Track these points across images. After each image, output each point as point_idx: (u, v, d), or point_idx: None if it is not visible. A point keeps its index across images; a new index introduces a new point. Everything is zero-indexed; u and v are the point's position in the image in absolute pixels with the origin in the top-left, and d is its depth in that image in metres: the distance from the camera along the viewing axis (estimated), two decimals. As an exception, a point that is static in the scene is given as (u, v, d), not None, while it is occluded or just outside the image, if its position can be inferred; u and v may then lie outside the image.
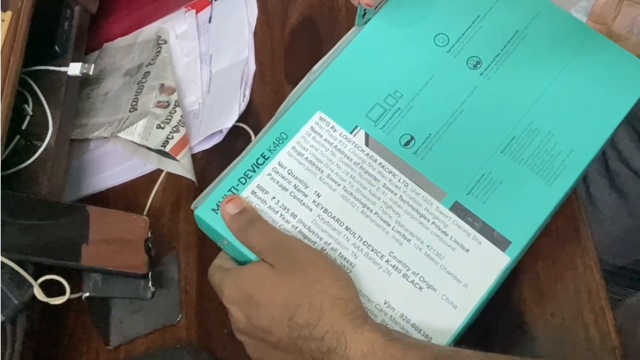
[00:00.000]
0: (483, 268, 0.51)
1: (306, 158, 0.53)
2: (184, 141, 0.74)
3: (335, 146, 0.54)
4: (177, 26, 0.86)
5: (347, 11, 0.77)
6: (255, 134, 0.72)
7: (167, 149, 0.73)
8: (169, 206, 0.74)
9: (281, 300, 0.46)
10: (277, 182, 0.53)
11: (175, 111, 0.76)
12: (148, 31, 0.87)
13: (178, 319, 0.66)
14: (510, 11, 0.58)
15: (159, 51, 0.83)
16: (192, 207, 0.53)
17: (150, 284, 0.64)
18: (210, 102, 0.78)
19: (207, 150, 0.75)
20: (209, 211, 0.52)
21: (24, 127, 0.70)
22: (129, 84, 0.82)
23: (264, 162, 0.53)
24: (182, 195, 0.73)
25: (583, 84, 0.56)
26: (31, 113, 0.71)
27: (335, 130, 0.55)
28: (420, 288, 0.50)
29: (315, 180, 0.53)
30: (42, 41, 0.74)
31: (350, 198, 0.52)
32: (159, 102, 0.77)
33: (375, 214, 0.52)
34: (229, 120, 0.74)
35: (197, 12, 0.87)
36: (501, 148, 0.54)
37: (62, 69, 0.73)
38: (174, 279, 0.69)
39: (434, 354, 0.45)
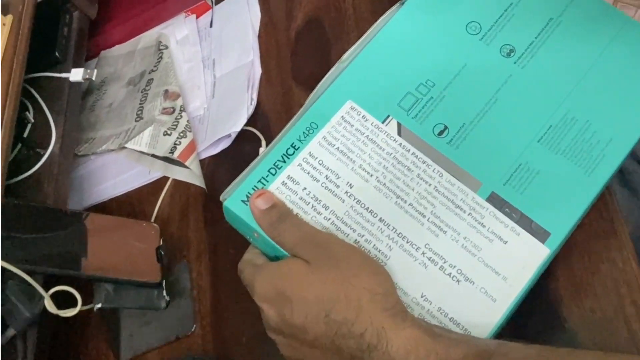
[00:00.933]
0: (522, 260, 0.49)
1: (337, 148, 0.52)
2: (192, 146, 0.72)
3: (367, 136, 0.52)
4: (178, 31, 0.85)
5: (355, 11, 0.75)
6: (265, 138, 0.71)
7: (175, 155, 0.71)
8: (177, 214, 0.71)
9: (316, 296, 0.44)
10: (308, 173, 0.51)
11: (182, 116, 0.74)
12: (148, 37, 0.85)
13: (193, 330, 0.63)
14: None
15: (161, 57, 0.81)
16: (220, 198, 0.51)
17: (164, 293, 0.61)
18: (215, 106, 0.76)
19: (215, 155, 0.73)
20: (239, 203, 0.50)
21: (25, 135, 0.68)
22: (132, 92, 0.80)
23: (294, 152, 0.51)
24: (190, 202, 0.71)
25: (620, 72, 0.55)
26: (32, 121, 0.69)
27: (366, 120, 0.53)
28: (458, 281, 0.48)
29: (347, 171, 0.51)
30: (42, 47, 0.72)
31: (384, 189, 0.51)
32: (164, 108, 0.75)
33: (409, 205, 0.50)
34: (237, 124, 0.72)
35: (197, 17, 0.85)
36: (538, 137, 0.53)
37: (64, 75, 0.71)
38: (186, 288, 0.66)
39: (478, 348, 0.43)
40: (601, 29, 0.56)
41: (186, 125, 0.73)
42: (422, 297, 0.48)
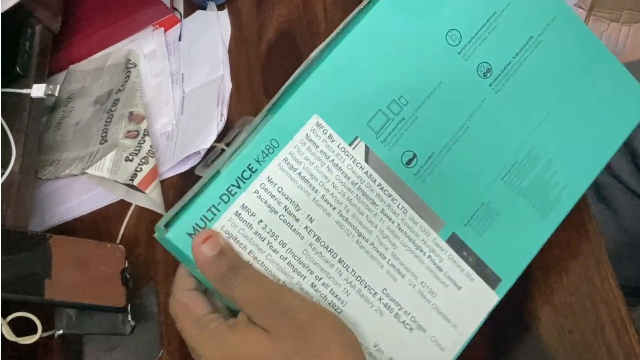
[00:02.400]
0: (473, 307, 0.48)
1: (299, 173, 0.45)
2: (153, 173, 0.69)
3: (333, 160, 0.46)
4: (145, 45, 0.82)
5: (327, 24, 0.74)
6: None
7: (136, 182, 0.68)
8: (143, 234, 0.69)
9: None
10: (266, 202, 0.44)
11: (145, 141, 0.71)
12: (117, 54, 0.83)
13: (160, 355, 0.61)
14: (528, 10, 0.51)
15: (128, 76, 0.79)
16: (156, 226, 0.44)
17: (129, 318, 0.59)
18: (184, 123, 0.74)
19: (183, 173, 0.71)
20: (184, 236, 0.43)
21: (-17, 153, 0.65)
22: (99, 113, 0.78)
23: (250, 175, 0.44)
24: (158, 222, 0.69)
25: (586, 108, 0.52)
26: (-9, 138, 0.66)
27: (333, 141, 0.46)
28: (411, 329, 0.46)
29: (308, 202, 0.45)
30: (2, 62, 0.70)
31: (346, 225, 0.46)
32: (128, 131, 0.73)
33: (371, 244, 0.46)
34: (207, 140, 0.70)
35: (165, 31, 0.83)
36: (502, 174, 0.50)
37: (25, 91, 0.69)
38: (152, 312, 0.64)
39: None
40: (577, 57, 0.52)
41: (149, 150, 0.70)
42: (375, 347, 0.46)
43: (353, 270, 0.46)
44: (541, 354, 0.49)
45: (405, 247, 0.47)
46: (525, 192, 0.50)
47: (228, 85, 0.75)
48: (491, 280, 0.49)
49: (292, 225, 0.45)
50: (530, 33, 0.51)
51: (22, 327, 0.54)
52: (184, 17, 0.83)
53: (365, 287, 0.46)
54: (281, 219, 0.45)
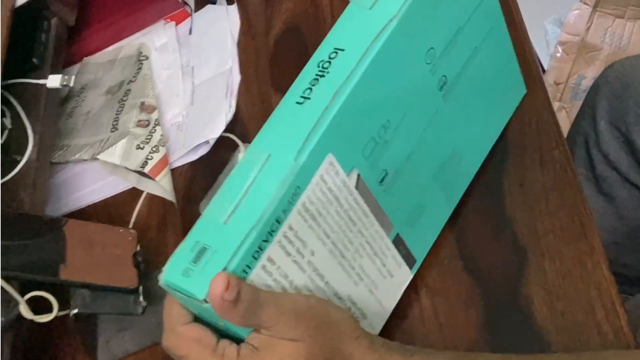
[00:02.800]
0: (396, 288, 0.53)
1: (311, 214, 0.44)
2: (164, 162, 0.72)
3: (335, 194, 0.45)
4: (157, 39, 0.85)
5: (333, 19, 0.76)
6: (244, 144, 0.71)
7: (146, 170, 0.71)
8: (155, 220, 0.71)
9: None
10: (284, 248, 0.43)
11: (155, 130, 0.74)
12: (129, 47, 0.85)
13: (170, 336, 0.63)
14: (478, 22, 0.51)
15: (140, 68, 0.82)
16: (189, 296, 0.41)
17: (141, 299, 0.61)
18: (194, 113, 0.77)
19: (193, 162, 0.74)
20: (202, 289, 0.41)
21: (2, 141, 0.68)
22: (110, 102, 0.80)
23: (277, 227, 0.42)
24: (169, 208, 0.71)
25: (488, 100, 0.57)
26: (9, 127, 0.69)
27: (337, 175, 0.45)
28: (360, 320, 0.50)
29: (312, 237, 0.44)
30: (19, 54, 0.72)
31: (335, 251, 0.46)
32: (139, 121, 0.75)
33: (347, 261, 0.48)
34: (216, 130, 0.72)
35: (176, 24, 0.85)
36: (434, 174, 0.53)
37: (41, 81, 0.71)
38: (163, 294, 0.65)
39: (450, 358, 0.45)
40: (495, 63, 0.55)
41: (159, 139, 0.73)
42: None
43: (332, 287, 0.47)
44: (534, 334, 0.51)
45: (368, 256, 0.49)
46: (443, 185, 0.54)
47: (236, 77, 0.77)
48: (410, 262, 0.53)
49: (299, 263, 0.44)
50: (475, 43, 0.52)
51: (39, 306, 0.56)
52: (195, 11, 0.85)
53: (337, 297, 0.48)
54: (292, 260, 0.44)
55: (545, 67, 1.24)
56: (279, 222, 0.42)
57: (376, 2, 0.46)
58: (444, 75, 0.50)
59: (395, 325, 0.54)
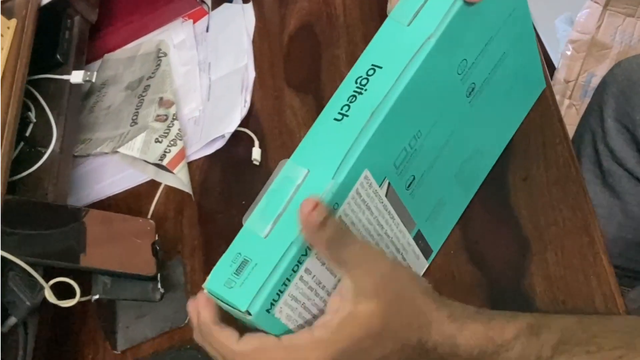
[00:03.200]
0: None
1: (345, 225, 0.46)
2: (181, 155, 0.74)
3: (367, 205, 0.47)
4: (175, 36, 0.87)
5: (345, 17, 0.78)
6: (257, 138, 0.74)
7: (165, 162, 0.73)
8: (172, 211, 0.74)
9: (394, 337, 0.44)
10: (320, 259, 0.45)
11: (173, 124, 0.76)
12: (149, 43, 0.88)
13: (186, 322, 0.66)
14: (509, 30, 0.52)
15: (159, 64, 0.84)
16: (232, 308, 0.43)
17: (159, 286, 0.64)
18: (210, 108, 0.79)
19: (209, 155, 0.76)
20: (264, 314, 0.43)
21: (27, 134, 0.71)
22: (130, 97, 0.83)
23: None
24: (186, 200, 0.74)
25: (509, 99, 0.58)
26: (34, 120, 0.71)
27: (371, 187, 0.46)
28: None
29: None
30: (44, 50, 0.75)
31: None
32: (157, 115, 0.78)
33: None
34: (231, 125, 0.75)
35: (194, 22, 0.88)
36: (456, 172, 0.55)
37: (65, 77, 0.74)
38: (180, 282, 0.69)
39: (526, 322, 0.46)
40: (520, 67, 0.57)
41: (177, 133, 0.75)
42: None
43: None
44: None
45: (391, 253, 0.52)
46: (463, 180, 0.56)
47: (251, 73, 0.79)
48: (427, 253, 0.56)
49: (332, 270, 0.46)
50: (504, 49, 0.53)
51: (63, 292, 0.59)
52: (212, 10, 0.88)
53: None
54: (326, 268, 0.46)
55: (556, 65, 1.25)
56: None
57: (414, 19, 0.46)
58: (473, 83, 0.51)
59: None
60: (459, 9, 0.46)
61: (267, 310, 0.43)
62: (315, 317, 0.46)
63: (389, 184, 0.48)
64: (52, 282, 0.58)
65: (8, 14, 0.68)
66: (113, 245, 0.64)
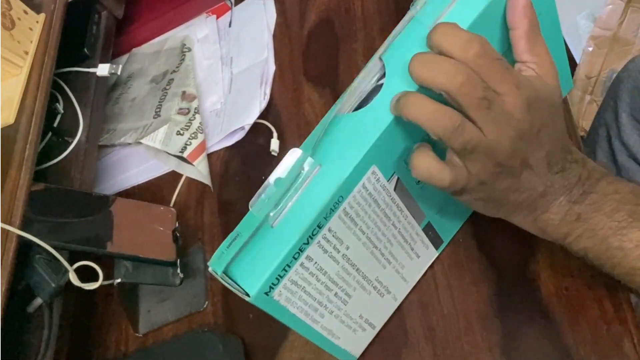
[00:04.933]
0: (422, 265, 0.58)
1: (350, 217, 0.47)
2: (201, 148, 0.77)
3: (374, 198, 0.48)
4: (199, 31, 0.90)
5: (363, 12, 0.80)
6: (276, 130, 0.76)
7: (185, 154, 0.76)
8: (193, 201, 0.76)
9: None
10: (322, 248, 0.47)
11: (195, 118, 0.79)
12: (174, 39, 0.90)
13: (205, 306, 0.68)
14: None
15: (183, 59, 0.87)
16: (234, 286, 0.45)
17: (179, 271, 0.66)
18: (231, 101, 0.82)
19: (229, 146, 0.78)
20: (262, 296, 0.45)
21: (55, 124, 0.74)
22: (154, 90, 0.86)
23: (318, 231, 0.46)
24: (206, 190, 0.76)
25: None
26: (62, 111, 0.74)
27: (378, 182, 0.48)
28: (383, 295, 0.56)
29: (349, 235, 0.48)
30: (72, 44, 0.78)
31: (368, 243, 0.50)
32: (180, 109, 0.80)
33: (379, 250, 0.52)
34: (251, 117, 0.77)
35: (217, 18, 0.90)
36: None
37: (91, 70, 0.77)
38: (200, 268, 0.71)
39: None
40: None
41: (198, 126, 0.78)
42: (360, 316, 0.55)
43: (361, 271, 0.52)
44: (539, 307, 0.54)
45: (398, 244, 0.54)
46: None
47: (272, 67, 0.82)
48: (437, 243, 0.58)
49: (335, 257, 0.48)
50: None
51: (86, 275, 0.61)
52: (235, 5, 0.90)
53: (365, 279, 0.53)
54: (329, 255, 0.48)
55: (577, 61, 1.25)
56: (320, 226, 0.45)
57: (436, 22, 0.45)
58: None
59: (413, 297, 0.58)
60: (484, 9, 0.45)
61: (266, 293, 0.45)
62: (316, 300, 0.49)
63: (398, 179, 0.49)
64: (75, 265, 0.60)
65: (37, 9, 0.71)
66: (136, 232, 0.67)
